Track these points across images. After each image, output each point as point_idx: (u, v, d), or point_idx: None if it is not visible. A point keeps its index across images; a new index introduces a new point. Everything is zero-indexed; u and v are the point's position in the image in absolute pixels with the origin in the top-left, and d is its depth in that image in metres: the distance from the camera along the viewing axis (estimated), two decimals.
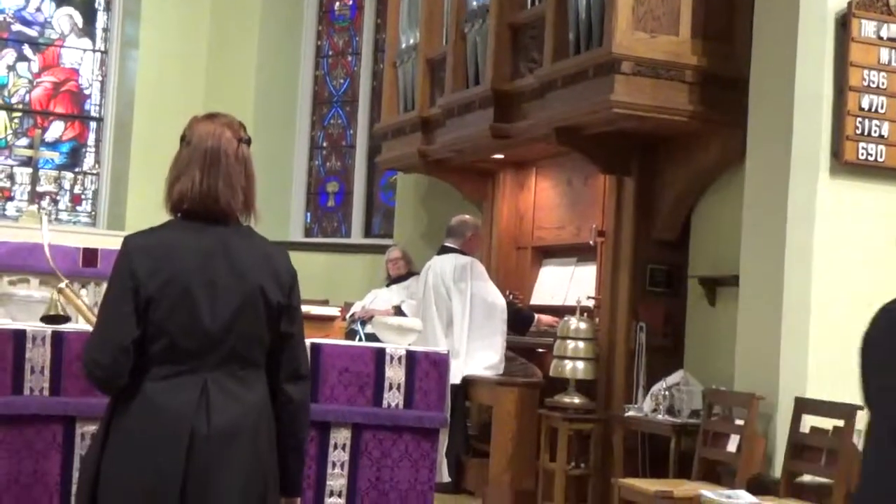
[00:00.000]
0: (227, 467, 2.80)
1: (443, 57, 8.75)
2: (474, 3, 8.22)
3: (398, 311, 8.56)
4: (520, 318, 8.07)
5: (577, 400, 7.12)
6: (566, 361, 7.14)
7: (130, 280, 2.81)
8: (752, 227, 6.21)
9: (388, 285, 9.43)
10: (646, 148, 7.18)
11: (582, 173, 7.98)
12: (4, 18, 12.34)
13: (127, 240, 2.90)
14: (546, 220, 8.54)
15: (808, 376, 5.82)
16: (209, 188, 2.88)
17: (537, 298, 8.56)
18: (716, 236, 6.90)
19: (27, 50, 12.45)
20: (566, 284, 8.24)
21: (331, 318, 6.78)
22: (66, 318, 4.42)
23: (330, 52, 12.68)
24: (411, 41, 9.34)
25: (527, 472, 7.45)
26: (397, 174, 10.70)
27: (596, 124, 6.85)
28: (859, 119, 5.90)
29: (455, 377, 6.85)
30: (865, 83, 5.92)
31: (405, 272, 9.38)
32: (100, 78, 12.63)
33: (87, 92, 12.63)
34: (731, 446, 5.86)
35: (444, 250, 8.15)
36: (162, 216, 2.96)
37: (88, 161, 12.56)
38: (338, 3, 12.65)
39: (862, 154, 5.90)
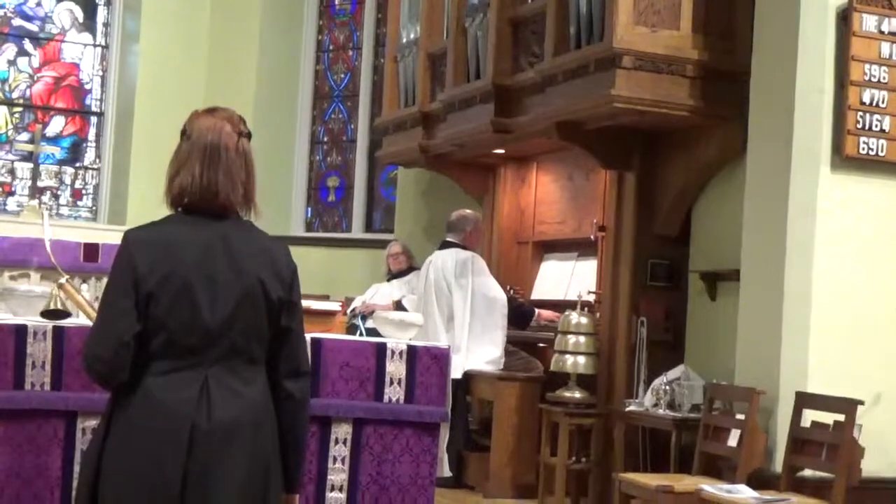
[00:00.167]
0: (227, 463, 2.80)
1: (443, 51, 8.74)
2: None
3: (399, 305, 8.56)
4: (520, 313, 8.07)
5: (577, 394, 7.12)
6: (567, 356, 7.14)
7: (131, 275, 2.80)
8: (752, 221, 6.21)
9: (388, 280, 9.44)
10: (647, 143, 7.18)
11: (583, 168, 7.98)
12: (5, 13, 12.33)
13: (127, 234, 2.89)
14: (547, 214, 8.54)
15: (809, 371, 5.83)
16: (209, 182, 2.87)
17: (538, 293, 8.56)
18: (717, 231, 6.89)
19: (28, 45, 12.45)
20: (567, 279, 8.24)
21: (331, 313, 6.77)
22: (66, 314, 4.42)
23: (331, 47, 12.67)
24: (412, 36, 9.33)
25: (528, 466, 7.47)
26: (398, 169, 10.70)
27: (597, 119, 6.85)
28: (860, 113, 5.89)
29: (456, 372, 6.86)
30: (866, 77, 5.91)
31: (406, 267, 9.39)
32: (100, 73, 12.62)
33: (87, 87, 12.62)
34: (732, 441, 5.86)
35: (444, 245, 8.15)
36: (163, 211, 2.96)
37: (89, 156, 12.56)
38: None
39: (863, 148, 5.90)
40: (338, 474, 4.64)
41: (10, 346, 4.20)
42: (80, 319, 4.47)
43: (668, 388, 6.48)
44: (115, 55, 12.51)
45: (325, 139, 12.66)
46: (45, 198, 12.12)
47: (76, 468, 4.15)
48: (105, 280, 2.90)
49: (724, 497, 5.23)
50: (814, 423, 5.58)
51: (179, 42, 12.26)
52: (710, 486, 5.39)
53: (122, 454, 2.78)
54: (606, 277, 7.41)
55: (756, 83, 6.27)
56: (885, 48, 5.98)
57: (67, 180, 12.45)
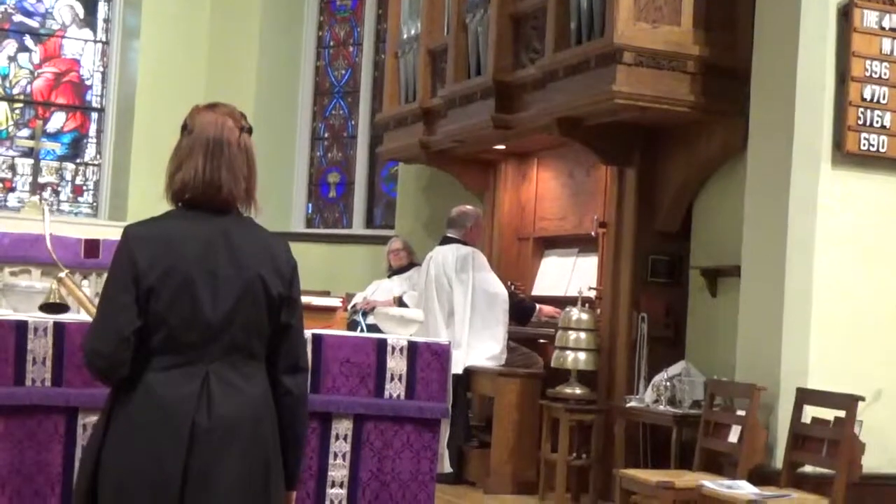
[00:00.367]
0: (227, 459, 2.80)
1: (444, 47, 8.74)
2: None
3: (400, 301, 8.56)
4: (521, 309, 8.07)
5: (578, 390, 7.13)
6: (568, 352, 7.15)
7: (131, 270, 2.80)
8: (753, 217, 6.20)
9: (389, 276, 9.44)
10: (647, 138, 7.18)
11: (583, 164, 7.98)
12: (6, 9, 12.33)
13: (127, 230, 2.89)
14: (548, 210, 8.54)
15: (810, 367, 5.82)
16: (212, 177, 2.87)
17: (539, 289, 8.56)
18: (717, 227, 6.89)
19: (28, 41, 12.45)
20: (568, 275, 8.24)
21: (332, 309, 6.80)
22: (65, 307, 4.42)
23: (331, 43, 12.66)
24: (413, 32, 9.33)
25: (528, 462, 7.47)
26: (399, 165, 10.69)
27: (597, 115, 6.85)
28: (861, 109, 5.89)
29: (457, 368, 6.85)
30: (867, 73, 5.91)
31: (406, 263, 9.39)
32: (101, 68, 12.62)
33: (88, 82, 12.62)
34: (733, 437, 5.86)
35: (445, 241, 8.15)
36: (163, 206, 2.95)
37: (90, 152, 12.56)
38: None
39: (864, 144, 5.89)
40: (338, 470, 4.64)
41: (10, 342, 4.20)
42: (81, 315, 4.47)
43: (668, 384, 6.48)
44: (116, 51, 12.51)
45: (326, 135, 12.66)
46: (46, 194, 12.13)
47: (77, 464, 4.14)
48: (106, 276, 2.90)
49: (724, 493, 5.24)
50: (814, 420, 5.58)
51: (180, 37, 12.25)
52: (710, 482, 5.39)
53: (122, 450, 2.78)
54: (607, 273, 7.41)
55: (757, 79, 6.27)
56: (886, 44, 5.97)
57: (68, 176, 12.46)
